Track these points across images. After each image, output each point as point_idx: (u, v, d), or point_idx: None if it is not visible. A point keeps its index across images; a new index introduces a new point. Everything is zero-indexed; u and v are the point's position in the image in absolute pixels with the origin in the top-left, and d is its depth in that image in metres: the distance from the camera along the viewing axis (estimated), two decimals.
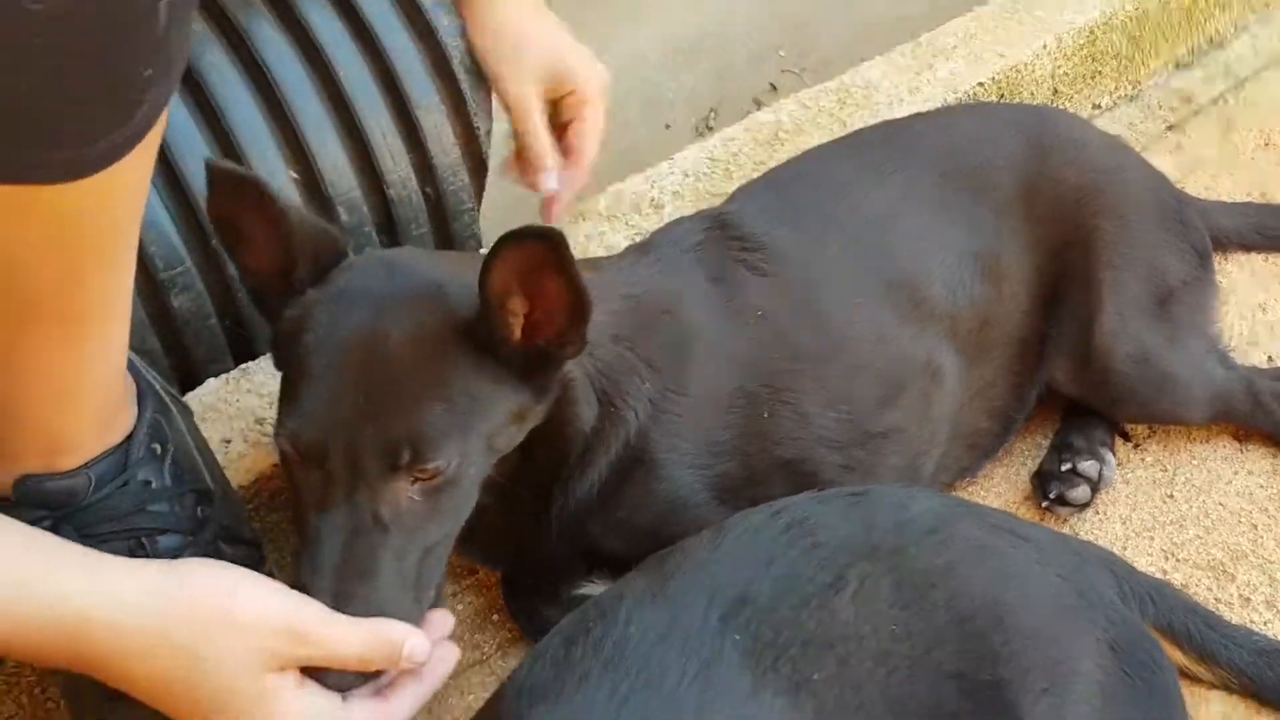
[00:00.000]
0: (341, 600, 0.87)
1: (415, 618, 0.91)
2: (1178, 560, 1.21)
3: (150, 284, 1.10)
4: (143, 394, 0.92)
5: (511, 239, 0.87)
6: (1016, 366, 1.25)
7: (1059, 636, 0.90)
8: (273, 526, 1.10)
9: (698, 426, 1.08)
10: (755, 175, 1.37)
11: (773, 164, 1.39)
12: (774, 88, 1.99)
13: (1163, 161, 1.57)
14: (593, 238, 1.29)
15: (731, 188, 1.35)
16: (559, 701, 0.83)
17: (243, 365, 1.15)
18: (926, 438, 1.18)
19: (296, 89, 1.16)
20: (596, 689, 0.83)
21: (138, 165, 0.75)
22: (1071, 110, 1.65)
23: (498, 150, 1.35)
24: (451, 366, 0.92)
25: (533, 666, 0.87)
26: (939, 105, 1.48)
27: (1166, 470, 1.29)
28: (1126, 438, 1.32)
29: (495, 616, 1.16)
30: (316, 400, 0.90)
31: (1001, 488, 1.28)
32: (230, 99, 1.13)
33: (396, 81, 1.21)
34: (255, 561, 0.98)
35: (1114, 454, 1.26)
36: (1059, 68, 1.61)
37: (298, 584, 0.87)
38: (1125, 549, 1.21)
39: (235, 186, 0.92)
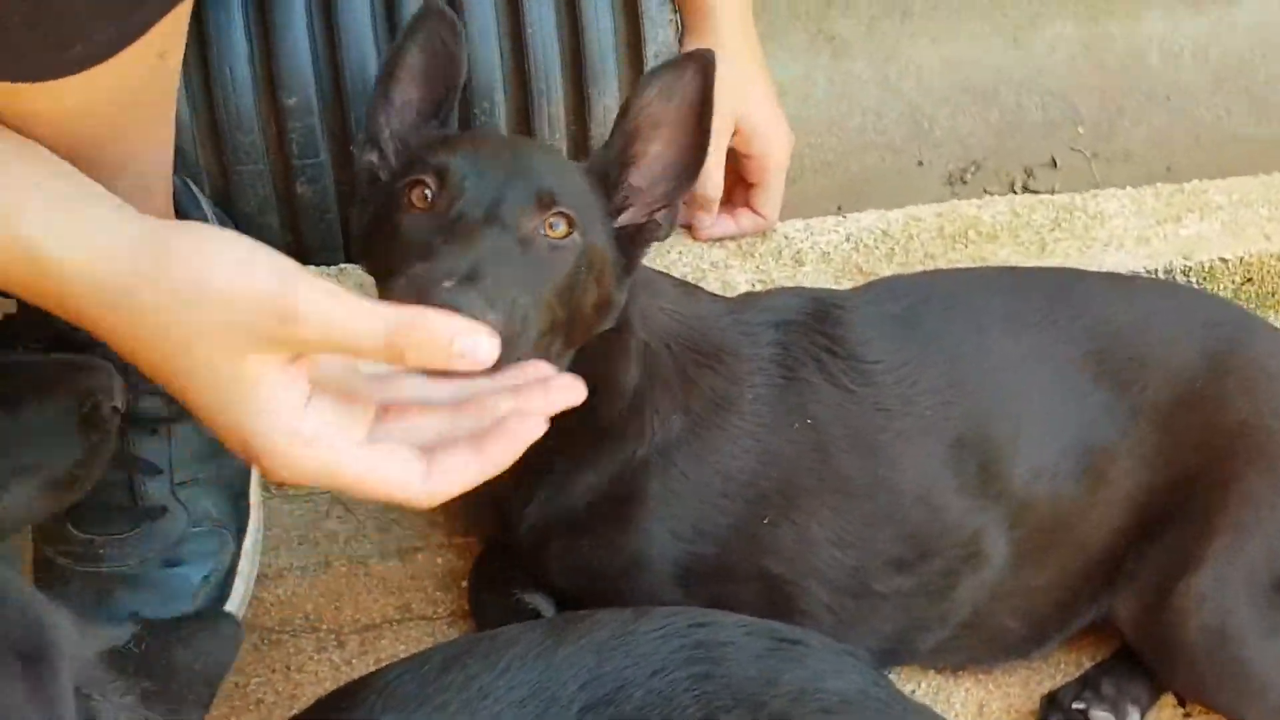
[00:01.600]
0: (468, 274, 0.83)
1: (531, 340, 0.88)
2: None
3: (284, 166, 1.17)
4: None
5: (671, 63, 0.98)
6: (1074, 582, 1.13)
7: None
8: None
9: (697, 498, 1.06)
10: (920, 267, 1.29)
11: (947, 262, 1.31)
12: (1054, 163, 1.83)
13: None
14: (716, 268, 1.26)
15: (888, 271, 1.28)
16: (404, 715, 0.86)
17: (342, 265, 1.21)
18: (935, 617, 1.10)
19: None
20: None
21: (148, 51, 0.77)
22: None
23: None
24: (584, 183, 0.98)
25: (404, 672, 0.89)
26: (1163, 265, 1.31)
27: None
28: (1182, 704, 1.17)
29: (464, 584, 1.20)
30: (469, 153, 0.94)
31: (1015, 690, 1.18)
32: None
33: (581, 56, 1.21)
34: None
35: (1140, 715, 1.13)
36: None
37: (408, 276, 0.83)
38: None
39: (440, 23, 1.00)
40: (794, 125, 1.76)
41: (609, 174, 0.99)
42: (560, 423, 1.01)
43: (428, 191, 0.91)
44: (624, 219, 0.99)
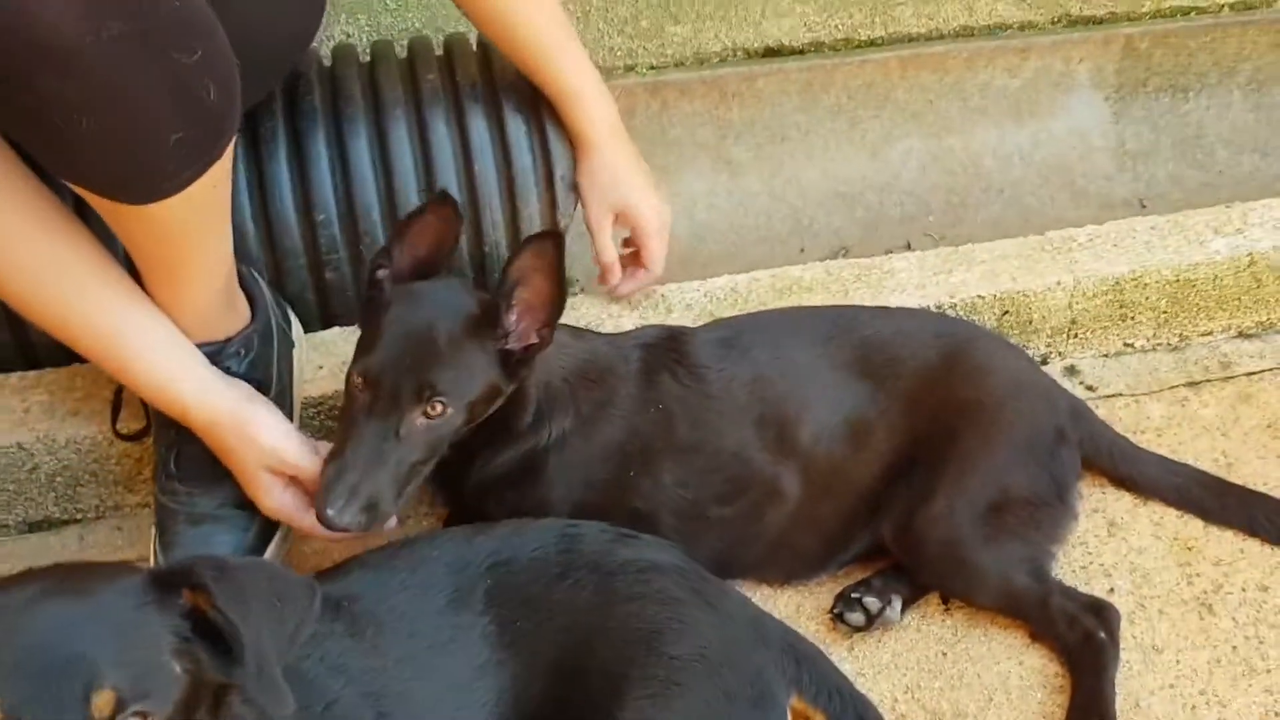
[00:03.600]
0: (350, 478, 1.42)
1: (390, 507, 1.46)
2: (912, 699, 1.55)
3: (317, 261, 1.77)
4: (257, 319, 1.58)
5: (533, 238, 1.47)
6: (849, 513, 1.63)
7: (681, 665, 1.34)
8: (321, 427, 1.74)
9: (584, 464, 1.59)
10: (755, 310, 1.84)
11: (774, 306, 1.85)
12: (909, 246, 2.36)
13: (1156, 407, 1.85)
14: (612, 317, 1.81)
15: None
16: (370, 571, 1.38)
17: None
18: (750, 537, 1.62)
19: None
20: (393, 577, 1.38)
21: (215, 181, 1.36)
22: (1094, 342, 1.94)
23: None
24: (464, 351, 1.48)
25: (377, 550, 1.43)
26: (934, 303, 1.84)
27: (956, 634, 1.62)
28: (944, 601, 1.66)
29: None
30: (383, 353, 1.47)
31: (824, 597, 1.66)
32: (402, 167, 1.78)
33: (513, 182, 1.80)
34: None
35: (903, 605, 1.61)
36: (1076, 303, 1.90)
37: (330, 460, 1.46)
38: (876, 674, 1.58)
39: (446, 211, 1.52)
40: (701, 228, 2.33)
41: (496, 312, 1.47)
42: (485, 430, 1.57)
43: (360, 382, 1.46)
44: (510, 344, 1.49)
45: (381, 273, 1.53)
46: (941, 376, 1.65)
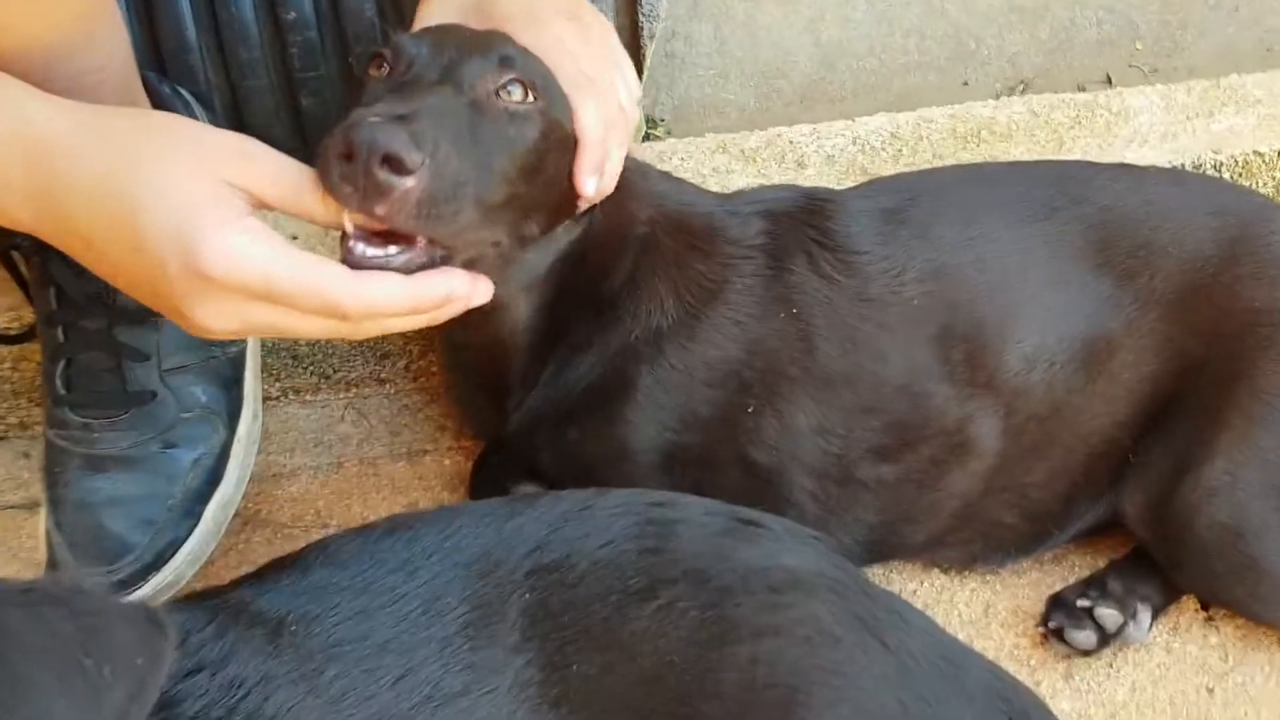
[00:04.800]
0: (405, 115, 0.81)
1: (473, 206, 0.85)
2: None
3: (288, 81, 1.22)
4: None
5: None
6: (1076, 477, 1.09)
7: None
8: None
9: (683, 388, 1.06)
10: (928, 167, 1.26)
11: (958, 162, 1.27)
12: (1110, 80, 1.75)
13: None
14: (717, 173, 1.25)
15: (897, 171, 1.26)
16: (340, 571, 0.88)
17: None
18: (923, 507, 1.08)
19: None
20: (378, 580, 0.88)
21: None
22: None
23: None
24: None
25: (351, 535, 0.92)
26: (1191, 160, 1.26)
27: (1225, 660, 1.09)
28: (1205, 607, 1.13)
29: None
30: (426, 35, 0.92)
31: (1024, 592, 1.14)
32: None
33: None
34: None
35: (1152, 615, 1.09)
36: None
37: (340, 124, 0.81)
38: (1108, 718, 1.06)
39: None
40: (829, 52, 1.74)
41: None
42: (564, 301, 1.04)
43: (385, 64, 0.91)
44: None
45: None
46: (1221, 274, 1.07)
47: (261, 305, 0.78)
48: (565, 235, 1.01)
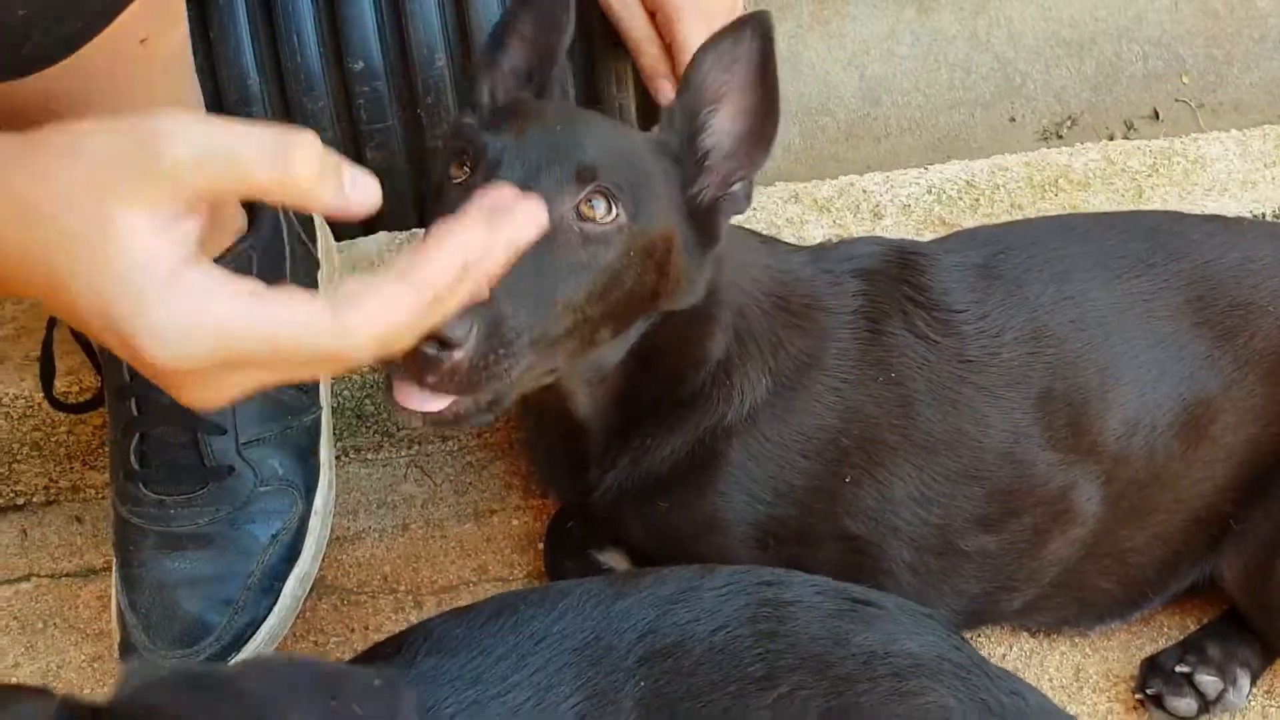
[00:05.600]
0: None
1: (515, 364, 0.80)
2: None
3: (353, 132, 1.18)
4: (258, 231, 1.00)
5: (730, 26, 0.91)
6: (1175, 543, 1.07)
7: None
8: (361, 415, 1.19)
9: (777, 460, 1.02)
10: (1008, 217, 1.24)
11: (1035, 212, 1.25)
12: (1157, 115, 1.74)
13: None
14: (791, 223, 1.22)
15: (972, 223, 1.23)
16: (449, 659, 0.85)
17: (414, 230, 1.21)
18: (1023, 577, 1.05)
19: None
20: (489, 669, 0.84)
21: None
22: None
23: None
24: (639, 155, 0.92)
25: (454, 619, 0.88)
26: (1272, 209, 1.24)
27: None
28: None
29: (540, 545, 1.19)
30: (514, 123, 0.89)
31: (1114, 654, 1.12)
32: None
33: None
34: (302, 408, 1.05)
35: (1251, 681, 1.06)
36: None
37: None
38: None
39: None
40: (874, 85, 1.72)
41: (677, 146, 0.94)
42: (646, 394, 1.00)
43: (466, 165, 0.87)
44: (696, 192, 0.94)
45: (469, 120, 0.94)
46: None
47: (236, 374, 0.63)
48: (640, 326, 0.96)
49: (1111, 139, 1.73)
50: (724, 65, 0.93)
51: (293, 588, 1.02)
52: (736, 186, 0.96)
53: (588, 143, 0.89)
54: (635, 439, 1.01)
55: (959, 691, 0.86)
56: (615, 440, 1.02)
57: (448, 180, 0.88)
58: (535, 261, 0.80)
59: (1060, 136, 1.73)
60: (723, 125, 0.94)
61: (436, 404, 0.81)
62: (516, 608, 0.88)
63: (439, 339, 0.76)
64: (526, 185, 0.83)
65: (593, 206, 0.86)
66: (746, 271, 1.01)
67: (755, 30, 0.91)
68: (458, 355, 0.77)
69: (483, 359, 0.78)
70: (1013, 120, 1.74)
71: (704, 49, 0.93)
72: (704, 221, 0.95)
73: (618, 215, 0.87)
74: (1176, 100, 1.77)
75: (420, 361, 0.77)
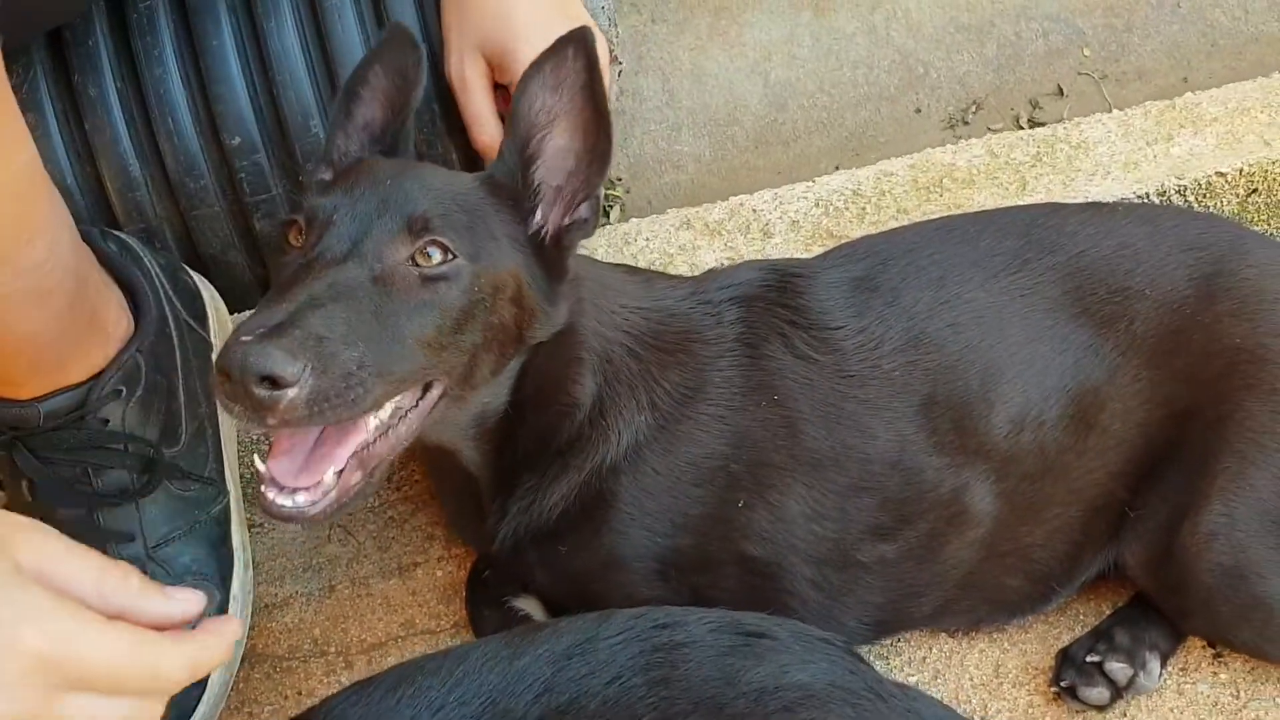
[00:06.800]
0: (281, 324, 0.80)
1: (367, 397, 0.84)
2: None
3: (239, 206, 1.19)
4: (143, 331, 1.01)
5: (551, 48, 0.93)
6: (1075, 534, 1.08)
7: None
8: None
9: (669, 491, 1.04)
10: (894, 224, 1.25)
11: (922, 214, 1.26)
12: (1061, 91, 1.75)
13: None
14: (684, 250, 1.24)
15: (860, 232, 1.24)
16: None
17: None
18: (926, 582, 1.07)
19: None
20: None
21: None
22: None
23: None
24: (474, 201, 0.95)
25: (353, 695, 0.90)
26: (1154, 189, 1.25)
27: (1238, 698, 1.09)
28: (1212, 645, 1.12)
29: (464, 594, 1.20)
30: (339, 190, 0.92)
31: (1031, 647, 1.14)
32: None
33: None
34: (208, 499, 1.06)
35: (1161, 662, 1.08)
36: None
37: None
38: None
39: (403, 46, 1.01)
40: (779, 92, 1.72)
41: (512, 180, 0.96)
42: (524, 444, 1.02)
43: (300, 231, 0.90)
44: (539, 222, 0.97)
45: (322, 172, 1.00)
46: (1199, 314, 1.06)
47: None
48: (512, 369, 0.99)
49: (1018, 120, 1.74)
50: (550, 87, 0.95)
51: (219, 675, 1.03)
52: (582, 208, 0.98)
53: (417, 193, 0.92)
54: (520, 489, 1.03)
55: (849, 718, 0.88)
56: (503, 490, 1.04)
57: (286, 250, 0.91)
58: (374, 306, 0.86)
59: (966, 123, 1.74)
60: (559, 147, 0.96)
61: (305, 496, 0.85)
62: (414, 679, 0.90)
63: (270, 378, 0.79)
64: (355, 246, 0.87)
65: (428, 255, 0.90)
66: (610, 318, 1.03)
67: (577, 48, 0.93)
68: (290, 393, 0.80)
69: (321, 392, 0.81)
70: (918, 111, 1.74)
71: (528, 74, 0.95)
72: (552, 253, 0.98)
73: (455, 258, 0.90)
74: (1080, 74, 1.77)
75: (254, 405, 0.80)
